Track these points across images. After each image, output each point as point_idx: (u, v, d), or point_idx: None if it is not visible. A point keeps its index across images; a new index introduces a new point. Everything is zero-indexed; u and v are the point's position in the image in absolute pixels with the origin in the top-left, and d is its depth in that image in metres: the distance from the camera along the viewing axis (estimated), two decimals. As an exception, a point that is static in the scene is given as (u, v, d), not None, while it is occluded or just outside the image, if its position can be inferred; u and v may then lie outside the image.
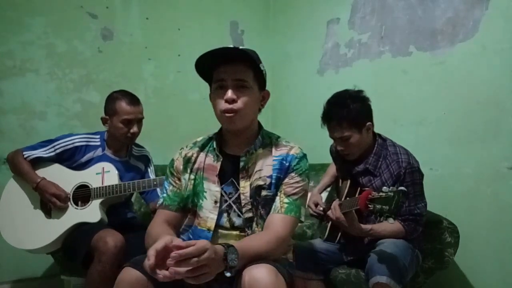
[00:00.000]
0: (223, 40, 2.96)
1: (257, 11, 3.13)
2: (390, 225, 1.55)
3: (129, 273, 1.09)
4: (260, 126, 1.33)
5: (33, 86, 2.31)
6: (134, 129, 1.81)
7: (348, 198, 1.62)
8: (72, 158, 1.84)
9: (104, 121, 1.84)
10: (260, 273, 1.03)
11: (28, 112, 2.30)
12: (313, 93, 2.76)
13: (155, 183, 1.80)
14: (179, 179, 1.33)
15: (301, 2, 2.88)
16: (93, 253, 1.56)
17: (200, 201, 1.27)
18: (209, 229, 1.24)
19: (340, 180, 1.88)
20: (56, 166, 1.83)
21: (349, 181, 1.76)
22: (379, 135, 1.70)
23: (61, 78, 2.39)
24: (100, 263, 1.50)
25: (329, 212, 1.62)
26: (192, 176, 1.29)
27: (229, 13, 2.98)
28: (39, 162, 1.81)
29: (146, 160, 2.04)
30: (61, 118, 2.39)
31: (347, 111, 1.56)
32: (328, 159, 2.07)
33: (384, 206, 1.25)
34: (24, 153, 1.79)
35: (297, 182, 1.25)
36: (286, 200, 1.22)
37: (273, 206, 1.23)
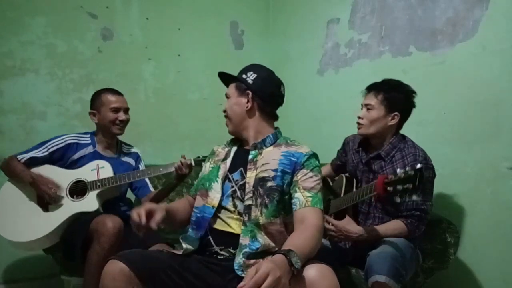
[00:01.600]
0: (223, 40, 2.96)
1: (257, 11, 3.13)
2: (393, 224, 1.57)
3: (113, 265, 1.14)
4: (276, 128, 1.45)
5: (33, 86, 2.31)
6: (122, 116, 1.91)
7: (353, 191, 1.65)
8: (64, 156, 1.88)
9: (92, 114, 1.92)
10: (319, 272, 1.07)
11: (28, 112, 2.30)
12: (313, 93, 2.76)
13: (149, 172, 1.86)
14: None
15: (301, 2, 2.88)
16: (92, 238, 1.59)
17: (212, 184, 1.40)
18: (213, 206, 1.36)
19: (329, 180, 1.90)
20: (51, 167, 1.86)
21: (344, 178, 1.79)
22: (402, 134, 1.72)
23: (61, 78, 2.39)
24: (99, 244, 1.55)
25: (328, 226, 1.61)
26: (212, 165, 1.46)
27: (229, 13, 2.98)
28: (33, 164, 1.83)
29: (136, 156, 2.09)
30: (61, 118, 2.39)
31: (390, 90, 1.65)
32: (328, 159, 2.07)
33: (406, 185, 1.25)
34: (17, 156, 1.82)
35: (311, 177, 1.31)
36: (308, 194, 1.28)
37: (297, 202, 1.27)
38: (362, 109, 1.72)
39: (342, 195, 1.74)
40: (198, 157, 1.86)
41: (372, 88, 1.70)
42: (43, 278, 2.32)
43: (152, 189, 2.03)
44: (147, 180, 2.04)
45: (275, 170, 1.32)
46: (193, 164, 1.83)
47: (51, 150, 1.85)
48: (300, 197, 1.27)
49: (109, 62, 2.53)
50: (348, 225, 1.57)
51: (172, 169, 1.82)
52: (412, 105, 1.68)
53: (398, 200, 1.34)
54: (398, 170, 1.29)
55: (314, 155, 1.36)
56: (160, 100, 2.71)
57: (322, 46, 2.68)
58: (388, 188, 1.30)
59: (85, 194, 1.79)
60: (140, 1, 2.62)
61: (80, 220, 1.73)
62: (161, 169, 1.85)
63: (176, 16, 2.76)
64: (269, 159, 1.35)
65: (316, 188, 1.30)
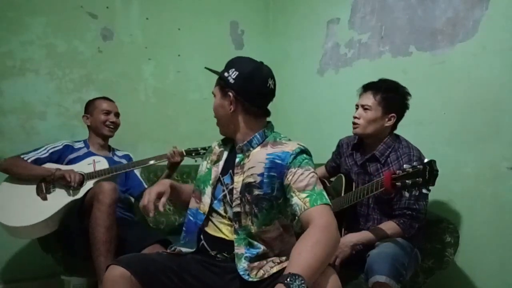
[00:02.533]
0: (223, 40, 2.96)
1: (257, 11, 3.13)
2: (386, 225, 1.57)
3: (113, 270, 1.15)
4: (266, 126, 1.35)
5: (33, 86, 2.31)
6: (113, 118, 2.08)
7: (351, 191, 1.64)
8: (62, 156, 1.98)
9: (85, 117, 2.08)
10: (322, 273, 1.05)
11: (28, 112, 2.30)
12: (313, 93, 2.77)
13: (143, 162, 1.98)
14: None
15: (301, 2, 2.88)
16: (90, 213, 1.69)
17: (205, 188, 1.37)
18: (204, 213, 1.35)
19: (326, 181, 1.90)
20: (51, 164, 1.92)
21: (343, 177, 1.79)
22: (395, 134, 1.73)
23: (61, 78, 2.39)
24: (98, 202, 1.66)
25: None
26: (208, 165, 1.42)
27: (229, 13, 2.98)
28: (37, 164, 1.90)
29: (128, 158, 2.21)
30: (61, 118, 2.39)
31: (389, 90, 1.65)
32: (328, 159, 2.07)
33: (416, 179, 1.25)
34: (22, 156, 1.89)
35: (302, 174, 1.20)
36: (304, 195, 1.18)
37: (297, 208, 1.18)
38: (357, 109, 1.71)
39: (343, 194, 1.74)
40: (189, 148, 2.01)
41: (369, 88, 1.69)
42: (43, 278, 2.31)
43: (146, 186, 2.10)
44: (140, 178, 2.13)
45: (261, 175, 1.24)
46: (184, 154, 1.99)
47: (50, 151, 1.96)
48: (298, 202, 1.17)
49: (109, 62, 2.53)
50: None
51: (165, 158, 1.97)
52: (406, 107, 1.68)
53: (407, 194, 1.34)
54: (405, 165, 1.32)
55: (302, 151, 1.26)
56: (160, 100, 2.71)
57: (322, 46, 2.68)
58: (397, 184, 1.31)
59: (82, 185, 1.87)
60: (140, 1, 2.62)
61: (77, 207, 1.80)
62: (154, 159, 1.98)
63: (176, 16, 2.76)
64: (255, 162, 1.27)
65: (311, 184, 1.19)
